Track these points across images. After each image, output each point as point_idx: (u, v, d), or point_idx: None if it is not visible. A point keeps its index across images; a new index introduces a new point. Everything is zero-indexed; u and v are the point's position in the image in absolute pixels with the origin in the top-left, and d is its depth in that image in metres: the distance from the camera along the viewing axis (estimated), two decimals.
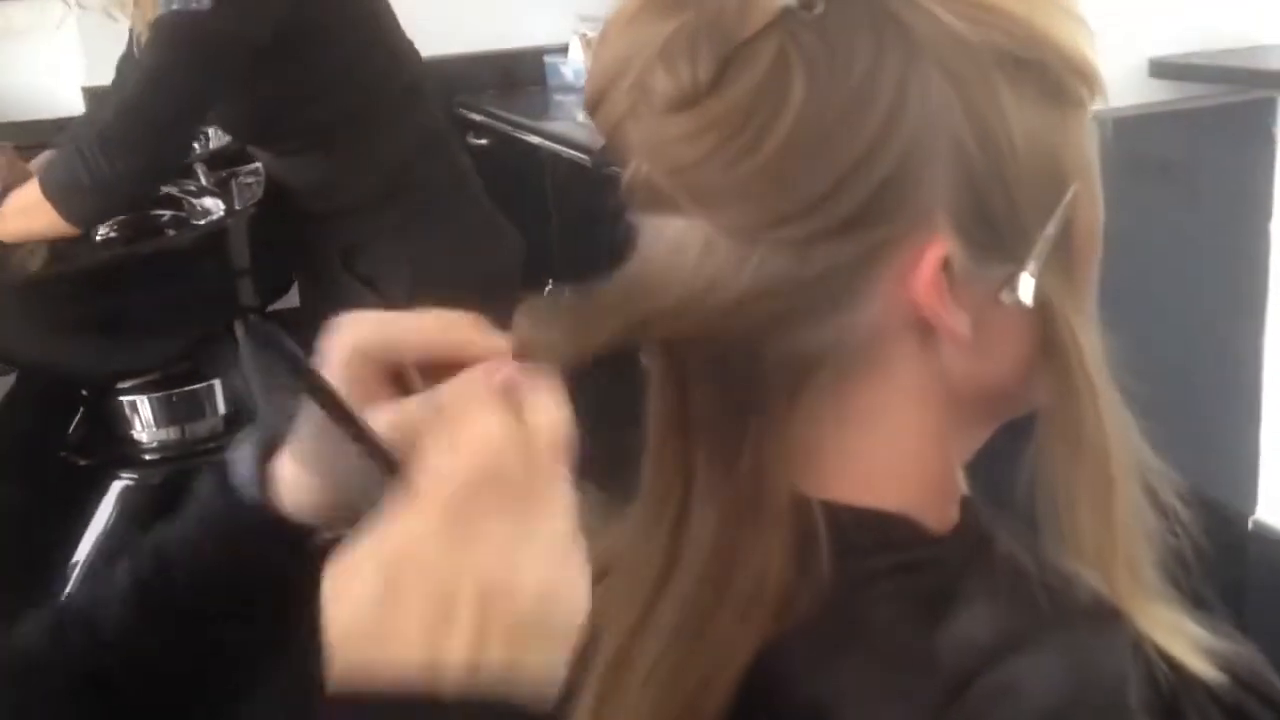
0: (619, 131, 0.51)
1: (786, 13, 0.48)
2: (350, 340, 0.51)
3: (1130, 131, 1.73)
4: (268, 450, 0.56)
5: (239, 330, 1.89)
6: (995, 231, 0.50)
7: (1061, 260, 0.51)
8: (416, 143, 1.88)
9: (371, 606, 0.43)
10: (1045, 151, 0.50)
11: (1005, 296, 0.51)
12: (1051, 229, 0.50)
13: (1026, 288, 0.50)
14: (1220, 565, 2.09)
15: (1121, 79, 1.72)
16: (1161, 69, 1.73)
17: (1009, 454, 0.54)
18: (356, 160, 1.83)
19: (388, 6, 1.91)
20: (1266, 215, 1.91)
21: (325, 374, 0.49)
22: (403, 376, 0.52)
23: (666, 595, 0.53)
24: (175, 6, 1.63)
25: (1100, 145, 0.54)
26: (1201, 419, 2.03)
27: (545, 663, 0.44)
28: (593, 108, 0.52)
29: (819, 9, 0.48)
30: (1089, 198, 0.53)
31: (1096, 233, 0.54)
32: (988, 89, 0.48)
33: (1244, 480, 2.02)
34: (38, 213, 1.68)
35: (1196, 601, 0.55)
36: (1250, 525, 2.03)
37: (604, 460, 0.54)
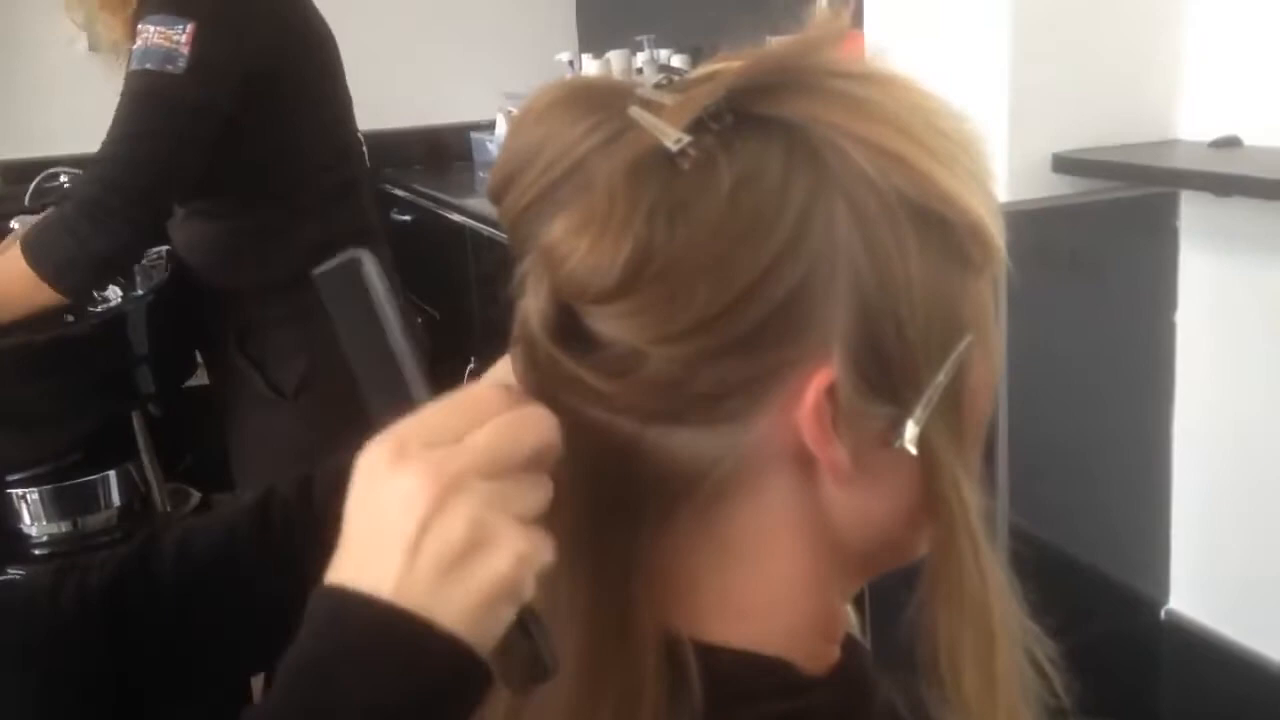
0: (519, 223, 0.51)
1: (699, 124, 0.47)
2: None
3: (1035, 225, 1.74)
4: None
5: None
6: (886, 370, 0.49)
7: (950, 413, 0.51)
8: (337, 237, 1.85)
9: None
10: (942, 299, 0.50)
11: (891, 441, 0.50)
12: (942, 377, 0.50)
13: (911, 434, 0.50)
14: (1134, 655, 2.08)
15: (1025, 173, 1.73)
16: (1064, 164, 1.74)
17: (897, 599, 0.54)
18: (274, 240, 1.80)
19: (345, 99, 1.89)
20: (1171, 305, 1.93)
21: None
22: None
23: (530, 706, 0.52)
24: (149, 66, 1.59)
25: (1006, 238, 0.54)
26: (1112, 509, 2.03)
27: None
28: (497, 195, 0.52)
29: (727, 125, 0.48)
30: (983, 353, 0.53)
31: (988, 391, 0.55)
32: (892, 229, 0.48)
33: (1156, 570, 2.02)
34: (20, 284, 1.62)
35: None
36: (1163, 615, 2.02)
37: None
